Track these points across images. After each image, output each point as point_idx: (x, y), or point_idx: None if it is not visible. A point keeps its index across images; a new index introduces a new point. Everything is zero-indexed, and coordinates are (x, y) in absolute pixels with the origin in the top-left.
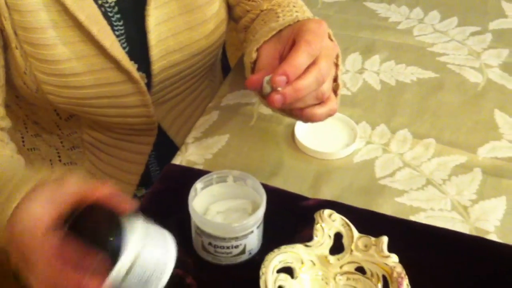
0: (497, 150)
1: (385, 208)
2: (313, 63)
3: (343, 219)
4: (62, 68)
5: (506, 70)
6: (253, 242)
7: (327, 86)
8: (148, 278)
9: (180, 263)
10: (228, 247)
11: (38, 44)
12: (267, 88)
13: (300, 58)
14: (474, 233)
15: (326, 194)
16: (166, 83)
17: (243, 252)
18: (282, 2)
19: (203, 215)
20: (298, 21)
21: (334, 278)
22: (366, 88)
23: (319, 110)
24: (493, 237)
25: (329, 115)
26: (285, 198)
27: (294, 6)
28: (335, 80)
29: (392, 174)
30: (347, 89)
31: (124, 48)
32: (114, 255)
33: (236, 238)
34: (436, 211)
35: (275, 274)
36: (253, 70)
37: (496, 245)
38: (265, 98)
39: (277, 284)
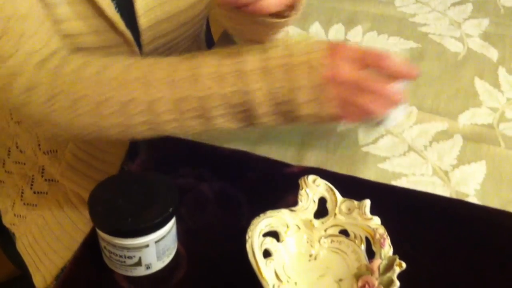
0: (477, 116)
1: (368, 174)
2: None
3: (327, 184)
4: (63, 29)
5: (486, 39)
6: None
7: None
8: None
9: None
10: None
11: (45, 2)
12: None
13: None
14: (454, 196)
15: (310, 161)
16: (155, 53)
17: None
18: None
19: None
20: None
21: (319, 241)
22: None
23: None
24: (473, 200)
25: (281, 2)
26: (270, 165)
27: None
28: None
29: (375, 141)
30: None
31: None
32: None
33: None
34: (417, 176)
35: (261, 237)
36: None
37: (476, 207)
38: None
39: (263, 247)
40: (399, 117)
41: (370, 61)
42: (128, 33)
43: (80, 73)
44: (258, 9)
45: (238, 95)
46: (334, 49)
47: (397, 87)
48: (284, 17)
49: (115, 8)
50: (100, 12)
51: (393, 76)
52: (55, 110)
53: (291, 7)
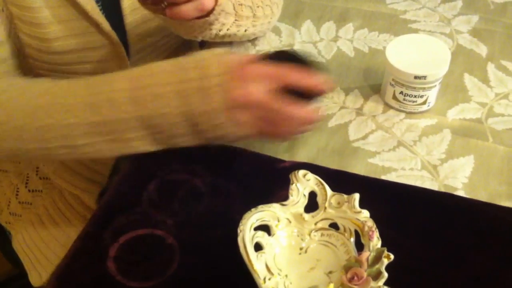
0: (466, 111)
1: (358, 168)
2: None
3: (317, 179)
4: (46, 32)
5: (476, 35)
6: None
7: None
8: None
9: (161, 224)
10: (415, 96)
11: (24, 6)
12: None
13: None
14: (442, 190)
15: (301, 157)
16: (143, 54)
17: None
18: None
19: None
20: None
21: (309, 234)
22: (340, 56)
23: (185, 7)
24: (461, 193)
25: (198, 10)
26: (262, 161)
27: None
28: None
29: (365, 137)
30: (321, 57)
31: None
32: None
33: (423, 89)
34: (406, 170)
35: (253, 231)
36: None
37: (464, 200)
38: None
39: (255, 240)
40: None
41: (281, 78)
42: (113, 34)
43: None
44: (174, 15)
45: (154, 118)
46: (244, 69)
47: (311, 106)
48: (202, 17)
49: (100, 9)
50: (84, 15)
51: (307, 92)
52: None
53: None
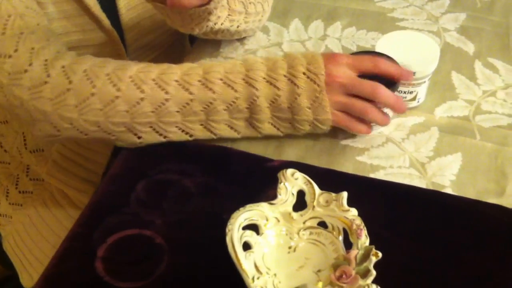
0: (453, 109)
1: (347, 166)
2: None
3: (305, 177)
4: (53, 27)
5: (463, 33)
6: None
7: None
8: None
9: (150, 224)
10: (404, 92)
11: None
12: None
13: None
14: (430, 187)
15: (290, 156)
16: (140, 52)
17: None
18: None
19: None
20: None
21: (298, 233)
22: None
23: None
24: (448, 191)
25: None
26: (250, 160)
27: None
28: None
29: (353, 135)
30: None
31: None
32: None
33: (413, 85)
34: (395, 168)
35: (241, 231)
36: None
37: (451, 198)
38: None
39: (243, 240)
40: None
41: (364, 66)
42: (113, 31)
43: (86, 70)
44: (177, 4)
45: (244, 101)
46: (330, 57)
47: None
48: (202, 5)
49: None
50: (86, 11)
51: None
52: (63, 106)
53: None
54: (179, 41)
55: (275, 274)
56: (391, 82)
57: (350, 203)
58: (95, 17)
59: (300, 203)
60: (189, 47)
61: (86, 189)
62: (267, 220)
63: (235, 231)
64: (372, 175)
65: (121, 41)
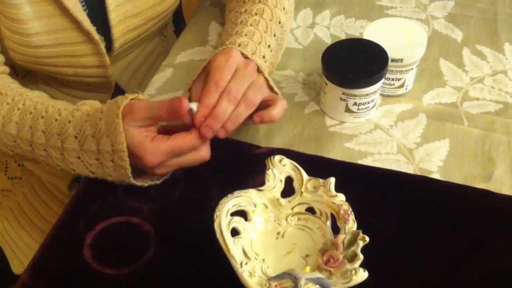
0: (441, 96)
1: (335, 153)
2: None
3: (293, 164)
4: (26, 28)
5: (451, 21)
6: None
7: (252, 93)
8: None
9: (137, 211)
10: (392, 79)
11: (6, 2)
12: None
13: (211, 99)
14: (418, 173)
15: (278, 143)
16: (125, 47)
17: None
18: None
19: None
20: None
21: (286, 219)
22: (317, 42)
23: (273, 111)
24: (436, 176)
25: (283, 110)
26: (239, 147)
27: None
28: (270, 87)
29: (341, 122)
30: (298, 43)
31: (84, 10)
32: None
33: (400, 72)
34: (382, 154)
35: (229, 217)
36: None
37: (439, 183)
38: None
39: (231, 226)
40: None
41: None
42: (93, 32)
43: None
44: (267, 121)
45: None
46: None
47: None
48: None
49: (84, 5)
50: (65, 11)
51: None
52: None
53: None
54: (163, 36)
55: (263, 260)
56: (379, 68)
57: (338, 189)
58: (74, 18)
59: (288, 189)
60: (173, 34)
61: (67, 176)
62: (255, 206)
63: (223, 217)
64: (360, 161)
65: (107, 37)
